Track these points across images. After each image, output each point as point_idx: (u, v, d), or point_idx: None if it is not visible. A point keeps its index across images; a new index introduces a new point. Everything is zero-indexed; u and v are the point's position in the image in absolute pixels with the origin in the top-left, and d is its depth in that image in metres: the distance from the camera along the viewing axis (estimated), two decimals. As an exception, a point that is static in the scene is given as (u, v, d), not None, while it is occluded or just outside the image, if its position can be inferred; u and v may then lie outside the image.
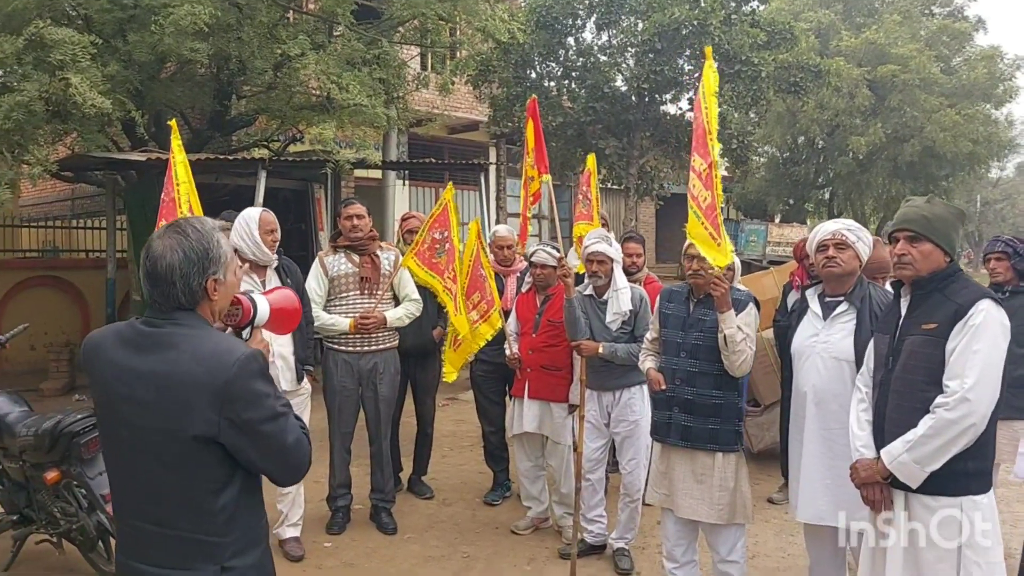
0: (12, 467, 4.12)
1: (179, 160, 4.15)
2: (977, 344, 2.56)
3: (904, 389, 2.71)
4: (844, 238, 3.25)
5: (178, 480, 1.88)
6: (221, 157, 8.93)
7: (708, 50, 3.48)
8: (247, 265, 4.24)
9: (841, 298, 3.28)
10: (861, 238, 3.28)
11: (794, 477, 3.37)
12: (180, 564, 1.89)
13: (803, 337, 3.34)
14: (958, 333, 2.59)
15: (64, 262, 12.00)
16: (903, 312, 2.81)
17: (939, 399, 2.59)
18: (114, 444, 1.97)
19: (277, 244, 4.41)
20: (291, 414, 1.96)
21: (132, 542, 1.97)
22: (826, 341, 3.25)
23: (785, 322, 3.52)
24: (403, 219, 5.93)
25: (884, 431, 2.77)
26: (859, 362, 3.11)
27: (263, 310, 2.17)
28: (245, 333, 2.15)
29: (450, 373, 4.98)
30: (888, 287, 3.81)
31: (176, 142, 4.24)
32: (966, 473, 2.62)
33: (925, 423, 2.60)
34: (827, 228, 3.34)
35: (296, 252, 8.49)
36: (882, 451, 2.73)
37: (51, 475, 3.87)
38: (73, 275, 11.07)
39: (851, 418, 2.96)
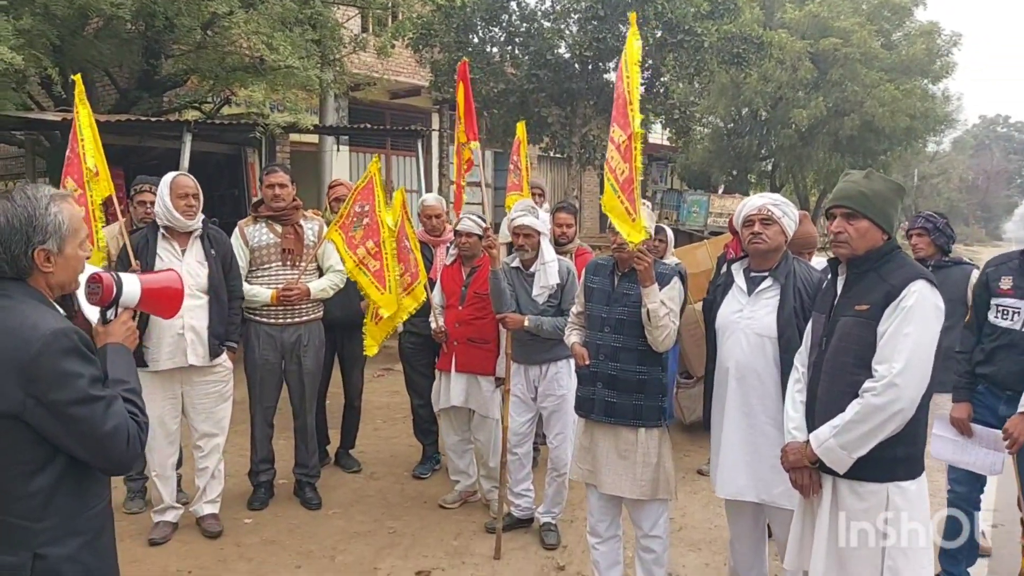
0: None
1: (82, 115, 3.94)
2: (908, 327, 2.50)
3: (835, 371, 2.67)
4: (770, 213, 3.19)
5: None
6: (143, 119, 8.57)
7: (632, 16, 3.38)
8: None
9: (766, 273, 3.22)
10: (787, 213, 3.23)
11: (715, 452, 3.35)
12: None
13: (727, 312, 3.29)
14: (889, 315, 2.54)
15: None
16: (839, 291, 2.75)
17: (867, 383, 2.54)
18: None
19: (196, 210, 4.21)
20: (116, 399, 1.85)
21: None
22: (750, 317, 3.20)
23: (710, 297, 3.47)
24: (330, 187, 5.74)
25: (815, 413, 2.73)
26: (781, 338, 3.08)
27: (131, 290, 2.03)
28: (110, 313, 2.01)
29: (371, 347, 4.86)
30: (813, 262, 3.81)
31: (80, 97, 4.02)
32: (894, 459, 2.58)
33: (852, 408, 2.56)
34: (753, 203, 3.27)
35: (228, 218, 8.22)
36: (810, 435, 2.69)
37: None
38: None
39: (786, 398, 2.92)
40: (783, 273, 3.18)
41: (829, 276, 2.87)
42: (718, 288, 3.45)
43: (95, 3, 7.03)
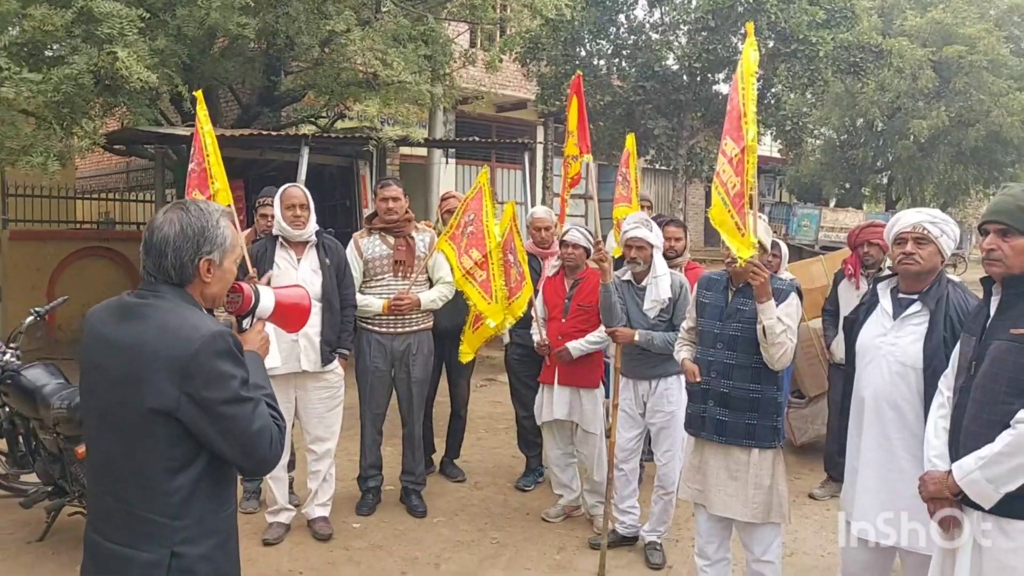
0: (47, 439, 4.17)
1: (207, 131, 4.13)
2: None
3: (984, 398, 2.46)
4: (926, 232, 2.94)
5: (132, 453, 1.85)
6: (264, 133, 8.95)
7: (750, 27, 3.28)
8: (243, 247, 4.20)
9: (915, 296, 2.99)
10: (945, 232, 2.96)
11: (850, 482, 3.16)
12: (130, 542, 1.86)
13: (869, 335, 3.08)
14: None
15: (118, 234, 12.23)
16: (991, 313, 2.55)
17: (1020, 414, 2.33)
18: (87, 415, 1.97)
19: (303, 220, 4.36)
20: (261, 402, 1.91)
21: (95, 514, 1.97)
22: (894, 343, 2.99)
23: (852, 315, 3.28)
24: (442, 199, 5.85)
25: (959, 443, 2.52)
26: (927, 370, 2.87)
27: (266, 302, 2.11)
28: (245, 323, 2.10)
29: (466, 354, 4.93)
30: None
31: (202, 112, 4.22)
32: None
33: (1003, 439, 2.35)
34: (907, 219, 3.01)
35: (341, 228, 8.51)
36: (954, 466, 2.49)
37: (82, 448, 3.90)
38: (125, 247, 11.25)
39: (928, 424, 2.72)
40: (934, 298, 2.94)
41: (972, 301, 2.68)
42: (861, 307, 3.24)
43: (223, 23, 7.38)
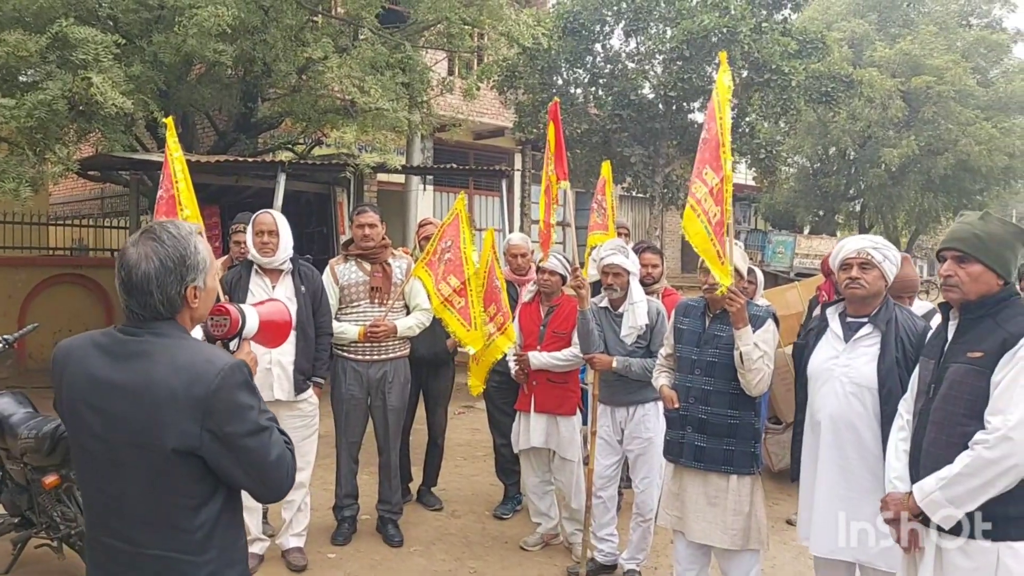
0: (14, 469, 4.07)
1: (176, 157, 4.09)
2: None
3: (943, 420, 2.52)
4: (869, 257, 3.04)
5: (152, 496, 1.79)
6: (241, 159, 8.92)
7: (723, 56, 3.33)
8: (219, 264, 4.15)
9: (865, 319, 3.07)
10: (888, 257, 3.06)
11: (806, 506, 3.19)
12: None
13: (821, 359, 3.14)
14: (1005, 364, 2.39)
15: (91, 260, 12.08)
16: (950, 337, 2.62)
17: (979, 435, 2.39)
18: (84, 457, 1.88)
19: (272, 247, 4.30)
20: (275, 428, 1.87)
21: (103, 561, 1.88)
22: (847, 365, 3.05)
23: (802, 341, 3.34)
24: (420, 225, 5.84)
25: (919, 463, 2.58)
26: (882, 389, 2.93)
27: (252, 322, 2.09)
28: (232, 344, 2.07)
29: (476, 387, 4.86)
30: (916, 308, 3.65)
31: (172, 139, 4.17)
32: (1006, 517, 2.41)
33: (962, 460, 2.41)
34: (851, 245, 3.11)
35: (317, 256, 8.48)
36: (914, 487, 2.55)
37: (50, 479, 3.82)
38: (99, 273, 11.12)
39: (888, 446, 2.79)
40: (884, 319, 3.02)
41: (939, 320, 2.73)
42: (810, 332, 3.30)
43: (200, 50, 7.38)
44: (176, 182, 4.07)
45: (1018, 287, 2.62)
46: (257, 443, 1.81)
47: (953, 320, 2.64)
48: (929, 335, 2.85)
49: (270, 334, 2.20)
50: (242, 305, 2.14)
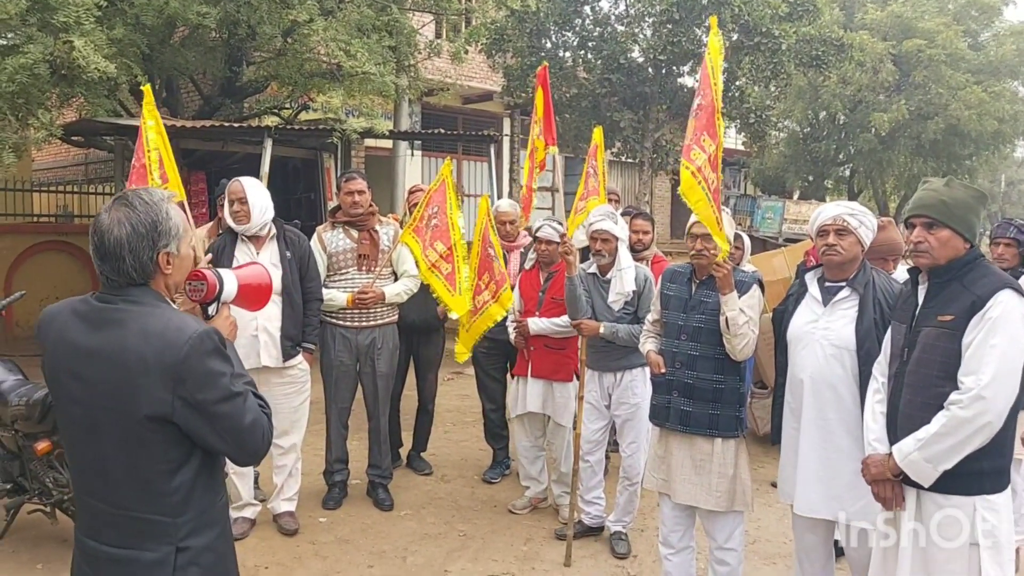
0: (5, 436, 4.10)
1: (150, 126, 4.05)
2: (995, 338, 2.45)
3: (918, 383, 2.62)
4: (845, 223, 3.08)
5: (129, 460, 1.83)
6: (226, 124, 8.83)
7: (713, 20, 3.31)
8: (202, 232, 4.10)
9: (843, 283, 3.13)
10: (864, 223, 3.11)
11: (789, 465, 3.27)
12: (133, 544, 1.85)
13: (801, 322, 3.20)
14: (975, 326, 2.49)
15: (75, 227, 11.99)
16: (920, 301, 2.70)
17: (953, 396, 2.49)
18: (67, 422, 1.92)
19: (247, 214, 4.24)
20: (249, 393, 1.90)
21: (87, 520, 1.93)
22: (826, 327, 3.11)
23: (781, 306, 3.38)
24: (409, 192, 5.83)
25: (897, 425, 2.68)
26: (860, 351, 3.00)
27: (230, 286, 2.09)
28: (211, 309, 2.07)
29: (462, 354, 4.87)
30: (897, 272, 3.69)
31: (148, 107, 4.13)
32: (980, 472, 2.53)
33: (938, 420, 2.51)
34: (827, 212, 3.16)
35: (305, 221, 8.45)
36: (893, 448, 2.65)
37: (42, 445, 3.85)
38: (84, 240, 10.89)
39: (866, 409, 2.86)
40: (862, 283, 3.09)
41: (909, 285, 2.79)
42: (790, 298, 3.36)
43: (182, 12, 7.27)
44: (148, 151, 4.03)
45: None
46: (230, 408, 1.84)
47: (922, 284, 2.72)
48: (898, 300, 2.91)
49: (250, 297, 2.20)
50: (219, 269, 2.14)
